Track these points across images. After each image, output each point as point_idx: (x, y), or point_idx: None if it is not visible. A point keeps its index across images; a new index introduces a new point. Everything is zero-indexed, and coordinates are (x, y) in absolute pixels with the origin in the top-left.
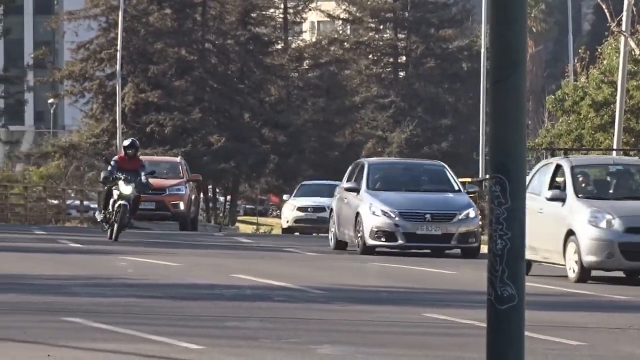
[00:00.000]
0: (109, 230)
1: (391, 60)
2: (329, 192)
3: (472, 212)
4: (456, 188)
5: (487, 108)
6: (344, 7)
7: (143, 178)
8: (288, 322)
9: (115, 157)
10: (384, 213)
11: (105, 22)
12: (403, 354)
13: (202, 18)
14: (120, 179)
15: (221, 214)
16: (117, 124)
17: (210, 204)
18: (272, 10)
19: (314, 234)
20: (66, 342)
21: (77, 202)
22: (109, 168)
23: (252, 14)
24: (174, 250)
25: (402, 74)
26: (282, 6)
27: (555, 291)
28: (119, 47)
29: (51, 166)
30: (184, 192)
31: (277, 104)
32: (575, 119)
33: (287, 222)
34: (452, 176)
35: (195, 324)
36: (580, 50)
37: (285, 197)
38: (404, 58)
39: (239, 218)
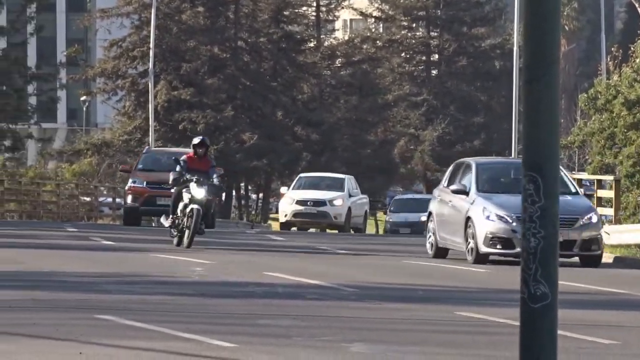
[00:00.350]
0: (177, 237)
1: (424, 58)
2: (329, 185)
3: (594, 217)
4: (573, 190)
5: (521, 106)
6: (376, 5)
7: (215, 180)
8: (320, 320)
9: (184, 157)
10: (500, 218)
11: (137, 20)
12: (436, 352)
13: (234, 16)
14: (191, 181)
15: (253, 212)
16: (150, 122)
17: (243, 202)
18: (304, 8)
19: (311, 230)
20: (98, 339)
21: (109, 200)
22: (178, 168)
23: (284, 12)
24: (205, 248)
25: (434, 72)
26: (314, 4)
27: (586, 289)
28: (151, 45)
29: (83, 163)
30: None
31: (310, 102)
32: (608, 118)
33: (285, 216)
34: (567, 177)
35: (228, 321)
36: (612, 49)
37: (283, 189)
38: (436, 56)
39: (271, 216)
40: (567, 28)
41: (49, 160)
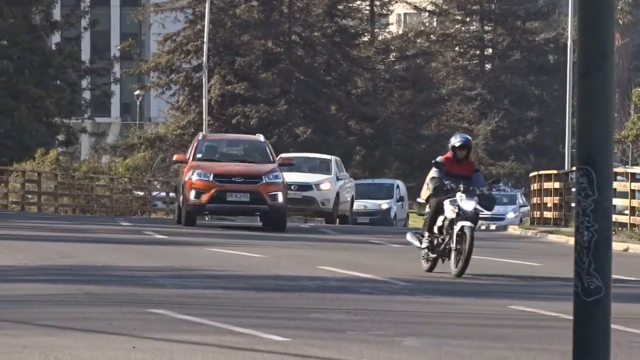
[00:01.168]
0: (430, 262)
1: (477, 52)
2: (314, 168)
3: None
4: None
5: (575, 100)
6: None
7: (485, 189)
8: (373, 314)
9: (440, 158)
10: None
11: (191, 14)
12: (488, 346)
13: (288, 10)
14: (456, 190)
15: None
16: (203, 116)
17: None
18: (358, 2)
19: (299, 219)
20: (151, 333)
21: (163, 194)
22: (437, 174)
23: (338, 6)
24: (257, 241)
25: (488, 66)
26: None
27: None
28: (205, 39)
29: (137, 158)
30: (280, 180)
31: (364, 96)
32: None
33: None
34: None
35: (280, 315)
36: None
37: None
38: (490, 50)
39: None
40: (621, 22)
41: (102, 154)
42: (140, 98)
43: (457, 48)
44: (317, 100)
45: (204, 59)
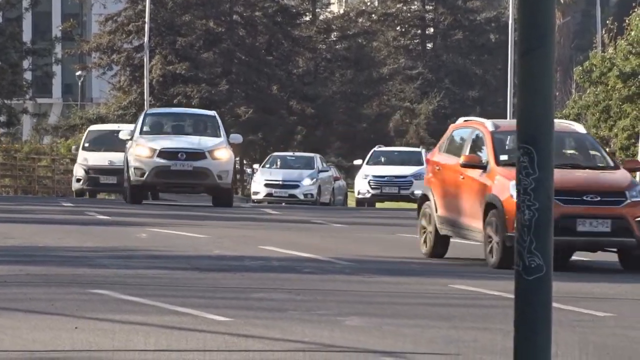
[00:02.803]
0: None
1: (419, 32)
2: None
3: None
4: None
5: (516, 80)
6: None
7: None
8: (316, 294)
9: None
10: None
11: None
12: (430, 325)
13: None
14: None
15: (248, 186)
16: (145, 96)
17: (238, 176)
18: None
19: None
20: (93, 314)
21: None
22: None
23: None
24: (200, 222)
25: (429, 45)
26: None
27: (580, 262)
28: (146, 19)
29: (79, 138)
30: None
31: (305, 75)
32: (603, 90)
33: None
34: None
35: (222, 295)
36: (608, 22)
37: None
38: (431, 30)
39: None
40: (562, 1)
41: (44, 135)
42: (82, 79)
43: (398, 28)
44: (259, 80)
45: (146, 39)
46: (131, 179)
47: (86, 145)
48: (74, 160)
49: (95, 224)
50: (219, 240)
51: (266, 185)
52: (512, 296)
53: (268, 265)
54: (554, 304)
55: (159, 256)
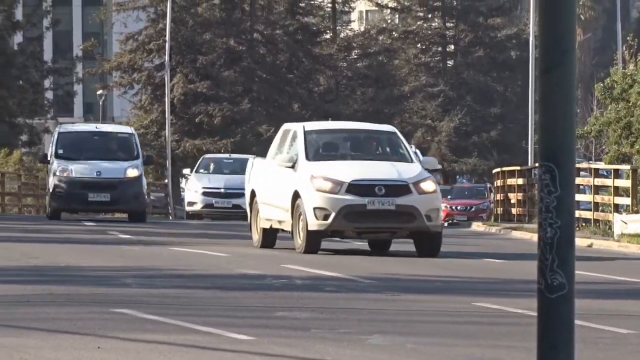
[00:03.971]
0: None
1: (440, 49)
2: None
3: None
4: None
5: (537, 96)
6: None
7: None
8: (338, 312)
9: None
10: None
11: (153, 13)
12: (454, 343)
13: (250, 8)
14: None
15: None
16: (166, 115)
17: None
18: None
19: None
20: (115, 333)
21: None
22: None
23: (300, 4)
24: (222, 241)
25: (450, 62)
26: None
27: (603, 279)
28: (167, 38)
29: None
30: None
31: (326, 93)
32: (624, 107)
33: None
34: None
35: (245, 314)
36: (628, 38)
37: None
38: (452, 47)
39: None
40: (582, 17)
41: None
42: (103, 97)
43: (419, 45)
44: (280, 98)
45: (166, 57)
46: (308, 223)
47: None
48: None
49: (117, 243)
50: (240, 259)
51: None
52: (535, 314)
53: (290, 284)
54: (577, 322)
55: (181, 275)
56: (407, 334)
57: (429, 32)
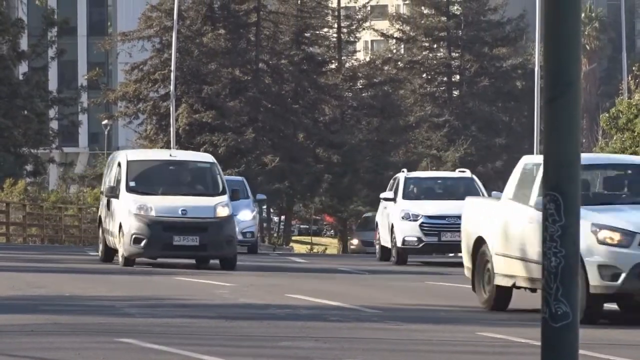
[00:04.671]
0: None
1: (445, 79)
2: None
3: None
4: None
5: (542, 126)
6: (397, 26)
7: None
8: (342, 342)
9: None
10: None
11: (159, 43)
12: None
13: (255, 38)
14: None
15: (275, 234)
16: (171, 145)
17: (265, 224)
18: (325, 29)
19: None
20: None
21: None
22: None
23: (305, 34)
24: (226, 270)
25: (456, 92)
26: (335, 26)
27: (608, 308)
28: (172, 68)
29: None
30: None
31: (331, 123)
32: (630, 137)
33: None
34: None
35: (249, 344)
36: (634, 68)
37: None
38: (457, 77)
39: (293, 238)
40: (588, 47)
41: (70, 184)
42: (108, 127)
43: (424, 75)
44: (285, 128)
45: (172, 87)
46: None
47: None
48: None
49: (121, 272)
50: (244, 289)
51: None
52: (539, 344)
53: (294, 314)
54: (581, 351)
55: (185, 305)
56: None
57: (435, 62)
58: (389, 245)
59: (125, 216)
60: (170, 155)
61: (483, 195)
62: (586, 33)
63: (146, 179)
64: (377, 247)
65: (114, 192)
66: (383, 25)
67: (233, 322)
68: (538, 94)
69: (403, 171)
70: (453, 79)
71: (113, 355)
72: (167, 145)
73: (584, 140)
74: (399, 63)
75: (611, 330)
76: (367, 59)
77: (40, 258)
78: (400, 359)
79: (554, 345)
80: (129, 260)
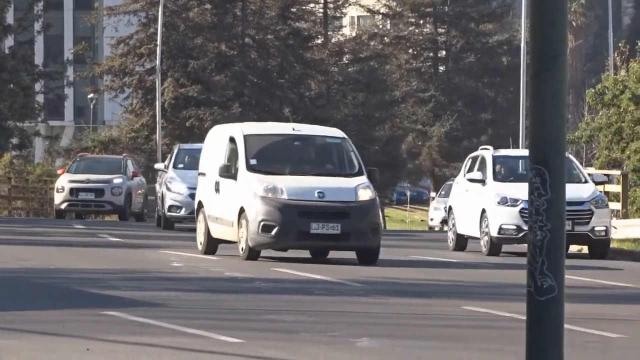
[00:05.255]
0: None
1: (431, 54)
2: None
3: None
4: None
5: (528, 101)
6: (383, 1)
7: None
8: (328, 316)
9: None
10: None
11: (145, 18)
12: (443, 346)
13: (242, 13)
14: None
15: None
16: (157, 119)
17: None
18: (312, 5)
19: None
20: (105, 335)
21: None
22: None
23: (292, 9)
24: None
25: (442, 68)
26: (322, 1)
27: (593, 284)
28: (158, 42)
29: None
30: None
31: (317, 98)
32: (615, 113)
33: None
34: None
35: (234, 317)
36: (620, 44)
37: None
38: (443, 52)
39: None
40: (574, 24)
41: (56, 158)
42: (94, 101)
43: (410, 50)
44: (271, 102)
45: (157, 62)
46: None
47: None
48: None
49: (107, 246)
50: (230, 262)
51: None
52: (525, 317)
53: (280, 287)
54: (565, 326)
55: (171, 278)
56: (396, 337)
57: (421, 37)
58: (468, 233)
59: (250, 199)
60: (294, 129)
61: (583, 176)
62: (572, 10)
63: (268, 157)
64: (451, 234)
65: (229, 172)
66: (369, 0)
67: (218, 296)
68: (524, 69)
69: (487, 149)
70: (439, 55)
71: (98, 327)
72: (152, 120)
73: (569, 116)
74: (385, 38)
75: (597, 305)
76: (353, 34)
77: (25, 231)
78: (385, 333)
79: (539, 319)
80: (253, 252)
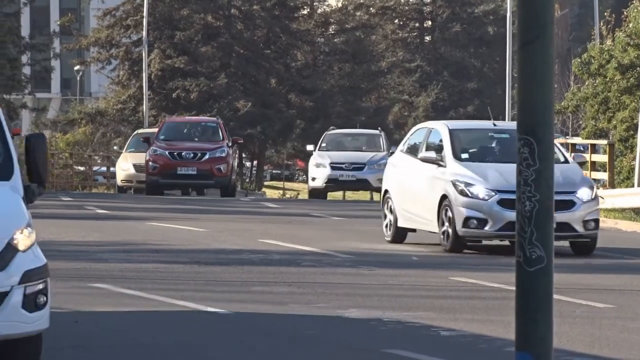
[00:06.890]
0: None
1: (417, 25)
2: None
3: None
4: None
5: (514, 72)
6: None
7: None
8: (316, 287)
9: None
10: None
11: None
12: (431, 317)
13: None
14: None
15: (247, 180)
16: (144, 90)
17: (237, 170)
18: None
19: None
20: (93, 307)
21: (104, 169)
22: None
23: None
24: (200, 215)
25: (428, 38)
26: None
27: (579, 255)
28: (145, 14)
29: (77, 133)
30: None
31: (304, 69)
32: (602, 82)
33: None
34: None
35: (222, 289)
36: (606, 14)
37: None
38: (429, 22)
39: (266, 183)
40: None
41: (42, 129)
42: (81, 73)
43: (396, 21)
44: (257, 73)
45: (144, 33)
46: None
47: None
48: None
49: (94, 218)
50: (218, 234)
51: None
52: (513, 288)
53: (268, 259)
54: (555, 296)
55: (159, 250)
56: (384, 308)
57: (406, 7)
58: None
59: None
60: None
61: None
62: None
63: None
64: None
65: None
66: None
67: (206, 267)
68: (510, 39)
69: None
70: (425, 25)
71: (86, 300)
72: (139, 91)
73: (556, 86)
74: (371, 9)
75: (585, 275)
76: (339, 4)
77: None
78: (373, 304)
79: (528, 289)
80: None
